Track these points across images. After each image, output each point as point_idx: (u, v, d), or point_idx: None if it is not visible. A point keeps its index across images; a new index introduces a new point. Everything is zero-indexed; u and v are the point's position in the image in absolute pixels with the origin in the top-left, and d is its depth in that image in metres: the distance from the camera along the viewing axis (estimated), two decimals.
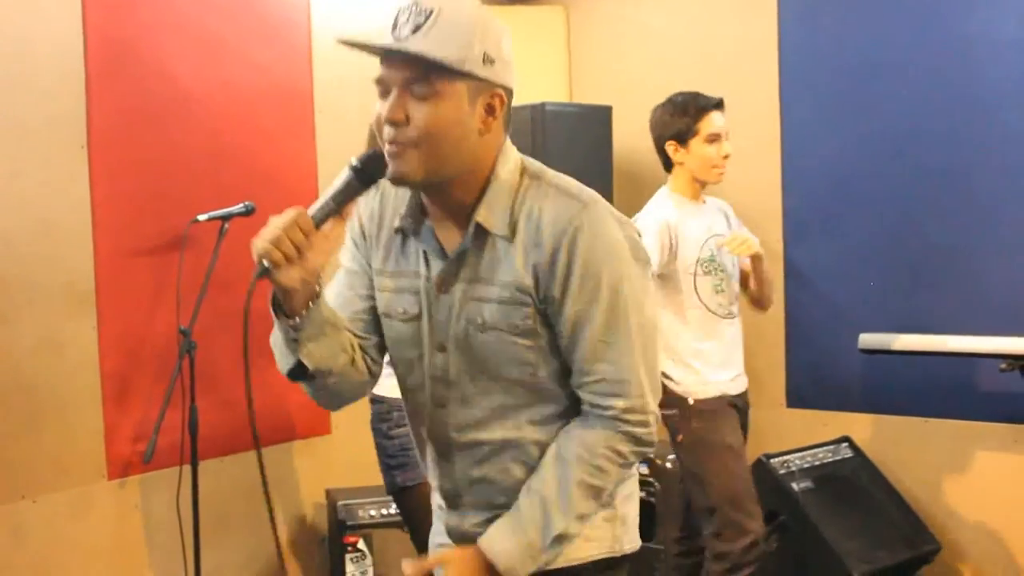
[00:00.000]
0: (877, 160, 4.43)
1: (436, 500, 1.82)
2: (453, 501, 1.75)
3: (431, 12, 1.49)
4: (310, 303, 1.56)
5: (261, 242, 1.49)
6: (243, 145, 4.13)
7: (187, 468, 3.72)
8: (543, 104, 4.51)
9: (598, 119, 4.76)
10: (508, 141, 1.64)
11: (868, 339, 4.22)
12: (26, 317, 3.51)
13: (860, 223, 4.49)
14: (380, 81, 1.55)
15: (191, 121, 3.96)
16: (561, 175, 1.65)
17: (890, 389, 4.42)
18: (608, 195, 4.57)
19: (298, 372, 1.63)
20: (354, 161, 1.56)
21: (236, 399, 3.96)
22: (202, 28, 3.97)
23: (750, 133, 4.55)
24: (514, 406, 1.64)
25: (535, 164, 1.66)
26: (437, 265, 1.65)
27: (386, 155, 1.56)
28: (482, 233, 1.60)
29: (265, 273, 1.48)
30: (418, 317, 1.68)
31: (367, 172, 1.56)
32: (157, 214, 3.82)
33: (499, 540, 1.59)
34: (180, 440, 3.72)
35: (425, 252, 1.67)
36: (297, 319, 1.56)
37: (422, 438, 1.77)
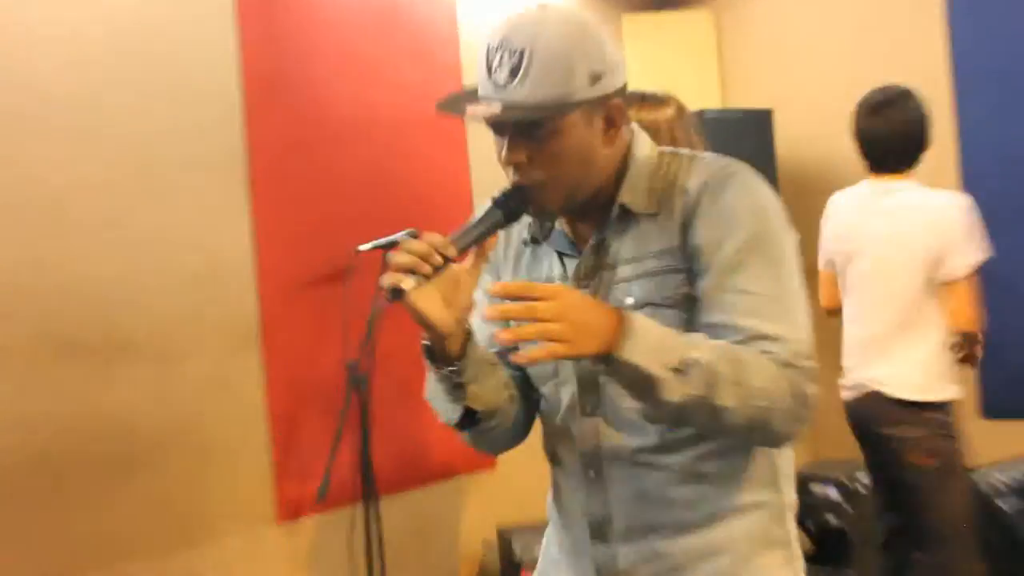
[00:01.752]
0: None
1: (564, 539, 1.68)
2: (600, 530, 1.60)
3: (523, 52, 1.40)
4: (466, 344, 1.48)
5: (396, 263, 1.38)
6: (399, 171, 4.10)
7: (359, 508, 3.64)
8: (700, 112, 4.31)
9: (757, 124, 4.66)
10: (636, 126, 1.58)
11: None
12: (192, 357, 3.49)
13: None
14: (493, 127, 1.50)
15: (347, 149, 3.94)
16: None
17: None
18: None
19: (467, 420, 1.55)
20: (498, 194, 1.49)
21: (399, 434, 3.90)
22: (353, 52, 3.97)
23: None
24: None
25: (671, 148, 1.60)
26: (572, 262, 1.59)
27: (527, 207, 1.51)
28: (624, 216, 1.53)
29: (398, 297, 1.37)
30: None
31: (511, 206, 1.49)
32: (319, 246, 3.78)
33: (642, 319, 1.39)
34: (351, 479, 3.64)
35: (559, 253, 1.61)
36: (457, 364, 1.48)
37: (559, 458, 1.65)
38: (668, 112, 2.20)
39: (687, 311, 1.46)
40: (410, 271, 1.37)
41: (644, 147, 1.56)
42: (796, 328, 1.41)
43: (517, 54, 1.40)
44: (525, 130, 1.44)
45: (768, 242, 1.44)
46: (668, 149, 1.56)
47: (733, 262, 1.42)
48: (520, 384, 1.63)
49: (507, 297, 1.29)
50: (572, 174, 1.46)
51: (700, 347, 1.35)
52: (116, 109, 3.32)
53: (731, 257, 1.42)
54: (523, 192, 1.47)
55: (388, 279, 1.36)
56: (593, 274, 1.55)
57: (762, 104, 4.77)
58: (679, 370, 1.32)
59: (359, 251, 3.58)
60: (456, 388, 1.50)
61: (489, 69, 1.43)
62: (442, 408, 1.56)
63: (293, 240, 3.75)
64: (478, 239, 1.46)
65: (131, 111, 3.36)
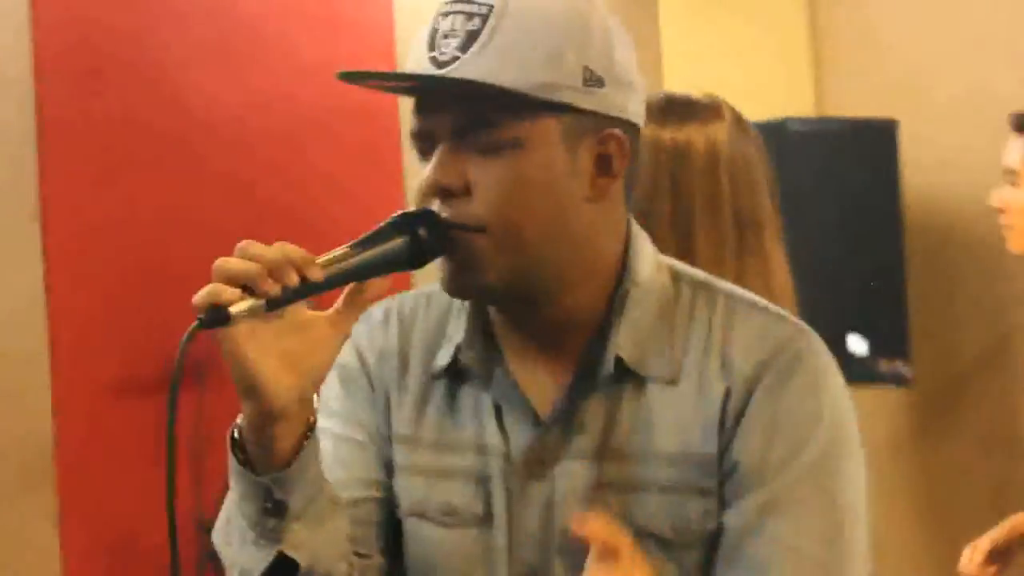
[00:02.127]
0: None
1: None
2: None
3: (489, 12, 1.21)
4: (303, 443, 1.19)
5: (225, 270, 1.12)
6: (284, 195, 3.56)
7: None
8: (783, 121, 3.82)
9: (873, 141, 4.06)
10: (635, 229, 1.35)
11: None
12: None
13: None
14: (416, 135, 1.27)
15: (203, 161, 3.40)
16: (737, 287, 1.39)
17: None
18: (898, 243, 3.94)
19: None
20: (403, 215, 1.23)
21: None
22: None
23: None
24: None
25: (684, 266, 1.37)
26: (523, 432, 1.31)
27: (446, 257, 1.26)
28: (621, 376, 1.29)
29: (215, 322, 1.10)
30: (483, 522, 1.34)
31: (420, 238, 1.22)
32: (150, 318, 3.17)
33: None
34: None
35: (498, 408, 1.32)
36: (282, 472, 1.18)
37: None
38: (718, 129, 1.73)
39: (707, 552, 1.28)
40: (246, 288, 1.13)
41: (646, 259, 1.33)
42: None
43: (479, 17, 1.22)
44: (466, 135, 1.23)
45: (835, 474, 1.28)
46: (681, 269, 1.36)
47: (782, 498, 1.25)
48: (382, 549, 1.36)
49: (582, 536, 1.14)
50: (529, 226, 1.23)
51: None
52: None
53: (780, 490, 1.26)
54: (439, 223, 1.23)
55: (207, 292, 1.12)
56: (553, 464, 1.31)
57: (877, 112, 4.18)
58: None
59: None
60: (269, 515, 1.20)
61: (432, 40, 1.23)
62: (237, 553, 1.24)
63: (108, 306, 3.19)
64: (362, 271, 1.22)
65: None
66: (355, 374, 1.42)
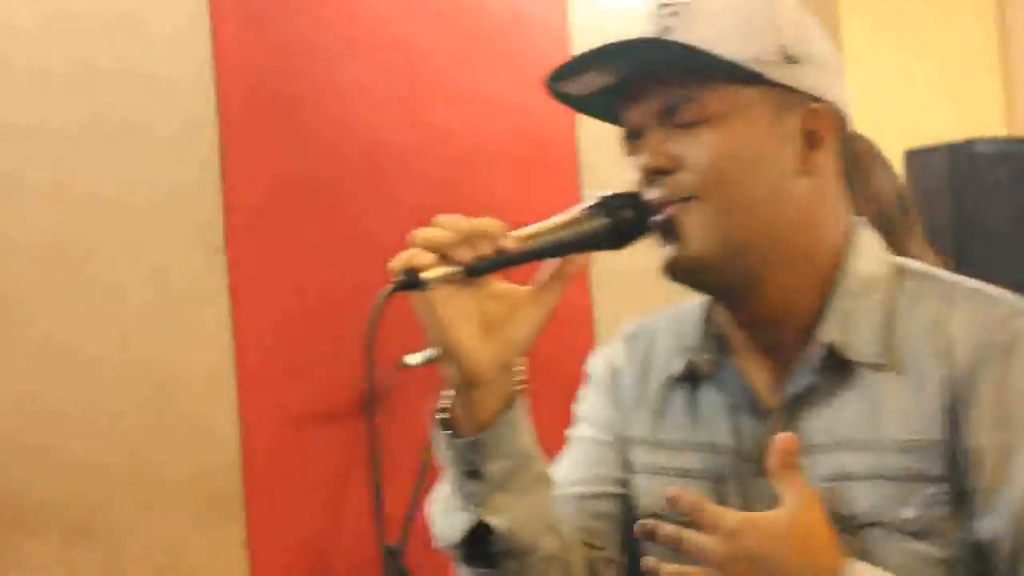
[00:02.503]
0: None
1: None
2: None
3: (686, 3, 1.25)
4: (506, 412, 1.23)
5: (422, 238, 1.17)
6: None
7: None
8: (969, 144, 3.77)
9: None
10: (860, 225, 1.35)
11: None
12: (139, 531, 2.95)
13: None
14: (628, 132, 1.29)
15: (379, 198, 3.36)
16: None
17: None
18: None
19: (473, 546, 1.25)
20: (607, 196, 1.25)
21: None
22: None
23: None
24: None
25: (911, 261, 1.37)
26: (752, 426, 1.32)
27: (655, 238, 1.27)
28: (836, 362, 1.28)
29: (411, 285, 1.13)
30: None
31: (623, 216, 1.25)
32: (334, 356, 3.14)
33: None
34: None
35: (731, 406, 1.34)
36: (480, 434, 1.22)
37: None
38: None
39: (939, 545, 1.24)
40: (441, 255, 1.16)
41: (864, 250, 1.33)
42: None
43: (677, 7, 1.25)
44: (672, 113, 1.25)
45: None
46: (905, 261, 1.37)
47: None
48: (603, 539, 1.39)
49: (673, 508, 1.15)
50: (739, 191, 1.24)
51: None
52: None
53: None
54: (643, 205, 1.26)
55: (404, 257, 1.16)
56: None
57: None
58: None
59: (403, 365, 2.97)
60: (469, 479, 1.24)
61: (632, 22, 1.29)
62: (442, 520, 1.30)
63: (291, 334, 3.15)
64: (561, 247, 1.24)
65: None
66: (601, 383, 1.46)
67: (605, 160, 3.04)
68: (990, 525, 1.22)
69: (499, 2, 3.64)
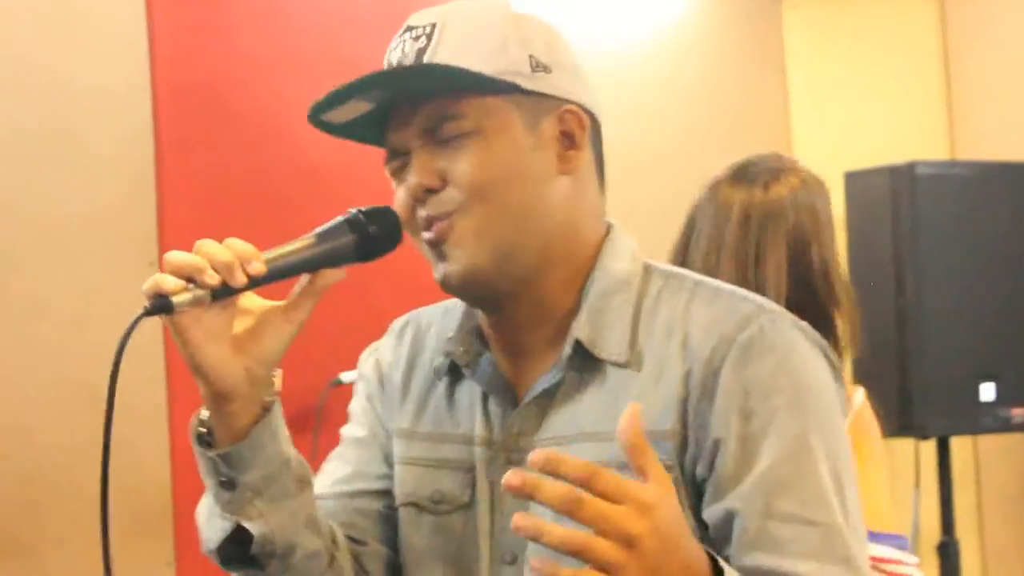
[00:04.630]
0: None
1: None
2: None
3: (432, 27, 1.31)
4: (258, 423, 1.26)
5: (171, 263, 1.20)
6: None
7: None
8: (911, 166, 3.69)
9: (1006, 181, 3.87)
10: (616, 225, 1.41)
11: None
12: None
13: None
14: (390, 154, 1.33)
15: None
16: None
17: None
18: None
19: (232, 551, 1.29)
20: (356, 211, 1.29)
21: None
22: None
23: None
24: None
25: (659, 262, 1.44)
26: (503, 418, 1.37)
27: (429, 255, 1.31)
28: (585, 359, 1.33)
29: (160, 310, 1.16)
30: (468, 507, 1.39)
31: (370, 230, 1.28)
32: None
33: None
34: None
35: (485, 397, 1.38)
36: (232, 447, 1.25)
37: None
38: (782, 188, 1.98)
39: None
40: (190, 279, 1.19)
41: (618, 250, 1.38)
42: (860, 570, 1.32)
43: (424, 36, 1.31)
44: (435, 131, 1.30)
45: (827, 439, 1.30)
46: (658, 265, 1.41)
47: (777, 475, 1.27)
48: (375, 567, 1.42)
49: (552, 473, 1.05)
50: (506, 199, 1.29)
51: None
52: None
53: (774, 467, 1.27)
54: (395, 220, 1.30)
55: (151, 282, 1.19)
56: (528, 448, 1.32)
57: (1011, 155, 3.95)
58: None
59: (338, 383, 3.03)
60: (224, 489, 1.27)
61: (388, 64, 1.34)
62: (204, 526, 1.33)
63: None
64: (306, 264, 1.26)
65: None
66: (369, 379, 1.50)
67: None
68: (728, 508, 1.26)
69: None
